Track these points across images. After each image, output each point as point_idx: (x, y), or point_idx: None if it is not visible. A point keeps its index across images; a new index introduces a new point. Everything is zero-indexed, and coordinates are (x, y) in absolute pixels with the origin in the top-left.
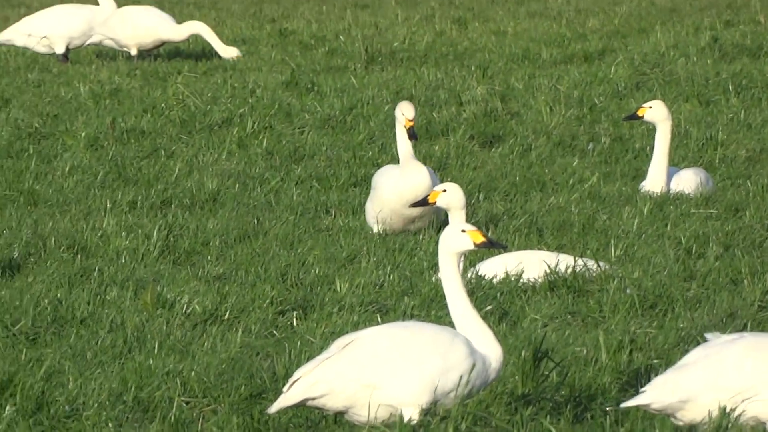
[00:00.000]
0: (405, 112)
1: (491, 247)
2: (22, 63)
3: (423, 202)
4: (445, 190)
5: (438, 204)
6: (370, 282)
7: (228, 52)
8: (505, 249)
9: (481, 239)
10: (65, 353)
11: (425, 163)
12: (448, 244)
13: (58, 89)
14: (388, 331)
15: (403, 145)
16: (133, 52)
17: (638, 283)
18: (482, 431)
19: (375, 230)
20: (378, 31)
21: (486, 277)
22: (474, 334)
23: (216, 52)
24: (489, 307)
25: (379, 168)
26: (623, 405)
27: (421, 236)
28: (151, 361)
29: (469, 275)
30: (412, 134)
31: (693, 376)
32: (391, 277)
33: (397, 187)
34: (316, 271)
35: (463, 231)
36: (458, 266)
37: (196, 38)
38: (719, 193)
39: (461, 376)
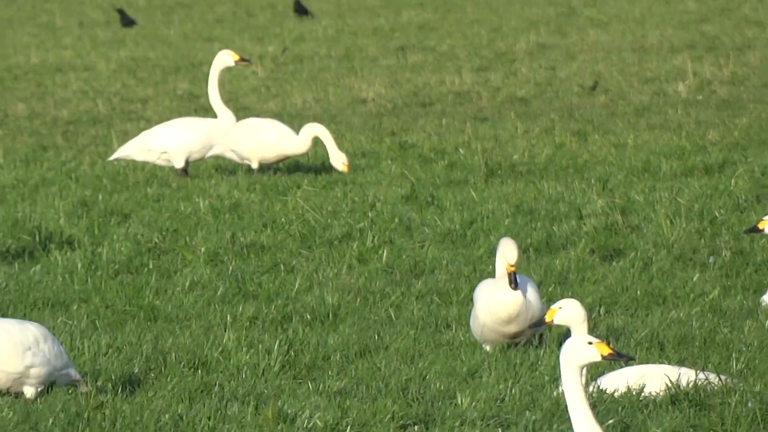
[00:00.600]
0: (507, 256)
1: (618, 358)
2: (141, 177)
3: (540, 323)
4: (561, 307)
5: (556, 322)
6: (492, 396)
7: (339, 157)
8: (632, 360)
9: (608, 351)
10: None
11: (544, 277)
12: (573, 356)
13: (178, 204)
14: None
15: (501, 264)
16: (255, 165)
17: (760, 396)
18: None
19: (478, 341)
20: (498, 144)
21: (607, 391)
22: None
23: (329, 157)
24: (611, 421)
25: (480, 282)
26: None
27: (542, 350)
28: None
29: (590, 389)
30: (512, 279)
31: None
32: (513, 391)
33: (490, 305)
34: (437, 386)
35: (590, 343)
36: (581, 379)
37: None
38: None
39: None
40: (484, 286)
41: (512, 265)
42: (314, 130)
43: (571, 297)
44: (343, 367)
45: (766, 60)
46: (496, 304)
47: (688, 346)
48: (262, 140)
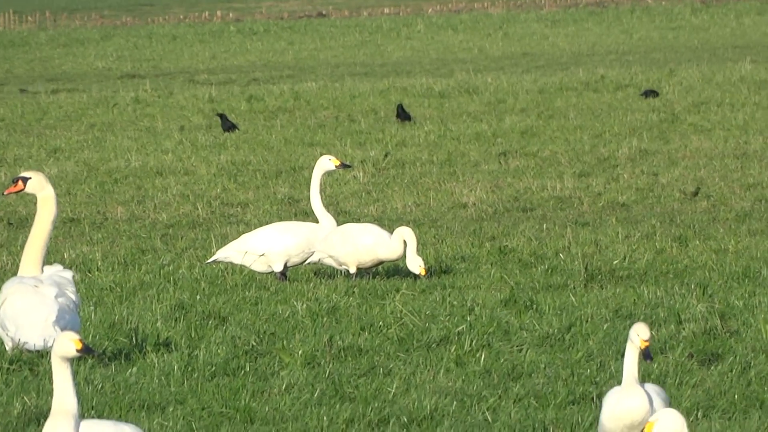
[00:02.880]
0: (641, 334)
1: None
2: (239, 280)
3: None
4: (658, 420)
5: None
6: None
7: (415, 261)
8: None
9: None
10: None
11: (643, 381)
12: None
13: (276, 307)
14: None
15: (629, 365)
16: (352, 270)
17: None
18: None
19: None
20: (598, 249)
21: None
22: None
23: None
24: None
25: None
26: None
27: None
28: None
29: None
30: (647, 354)
31: None
32: None
33: (614, 411)
34: None
35: None
36: None
37: None
38: None
39: None
40: (613, 391)
41: (646, 341)
42: (402, 233)
43: (668, 408)
44: None
45: None
46: (622, 409)
47: None
48: (359, 245)
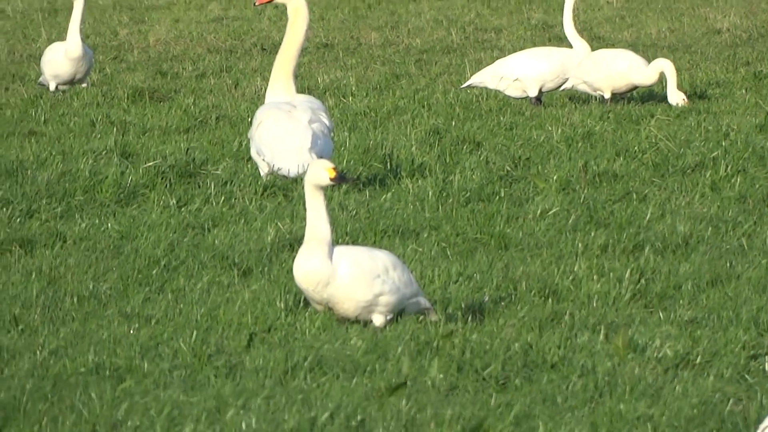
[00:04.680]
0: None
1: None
2: (494, 105)
3: None
4: None
5: None
6: None
7: (677, 96)
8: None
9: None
10: (535, 398)
11: None
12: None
13: (530, 132)
14: None
15: None
16: (607, 95)
17: None
18: None
19: None
20: None
21: None
22: None
23: (667, 93)
24: None
25: None
26: None
27: None
28: (622, 406)
29: None
30: None
31: None
32: None
33: None
34: None
35: None
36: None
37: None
38: None
39: None
40: None
41: None
42: (662, 65)
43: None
44: (694, 297)
45: None
46: None
47: None
48: (612, 69)
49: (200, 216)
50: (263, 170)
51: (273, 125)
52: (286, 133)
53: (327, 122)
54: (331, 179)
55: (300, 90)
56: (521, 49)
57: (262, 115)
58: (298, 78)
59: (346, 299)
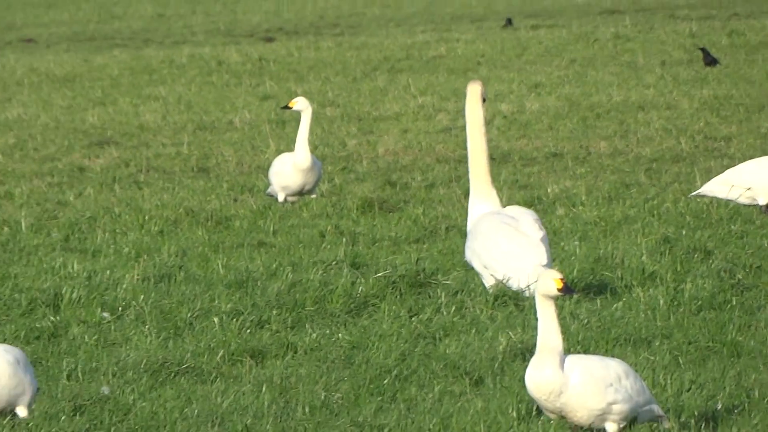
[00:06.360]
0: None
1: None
2: (724, 214)
3: None
4: None
5: None
6: None
7: None
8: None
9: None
10: None
11: None
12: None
13: (761, 241)
14: None
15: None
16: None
17: None
18: None
19: None
20: None
21: None
22: None
23: None
24: None
25: None
26: None
27: None
28: None
29: None
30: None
31: None
32: None
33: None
34: None
35: None
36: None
37: None
38: None
39: None
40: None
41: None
42: None
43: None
44: None
45: None
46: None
47: None
48: None
49: (431, 325)
50: (487, 282)
51: (503, 240)
52: (519, 248)
53: (542, 233)
54: (558, 290)
55: (526, 200)
56: (751, 157)
57: (484, 229)
58: (528, 188)
59: (579, 408)
